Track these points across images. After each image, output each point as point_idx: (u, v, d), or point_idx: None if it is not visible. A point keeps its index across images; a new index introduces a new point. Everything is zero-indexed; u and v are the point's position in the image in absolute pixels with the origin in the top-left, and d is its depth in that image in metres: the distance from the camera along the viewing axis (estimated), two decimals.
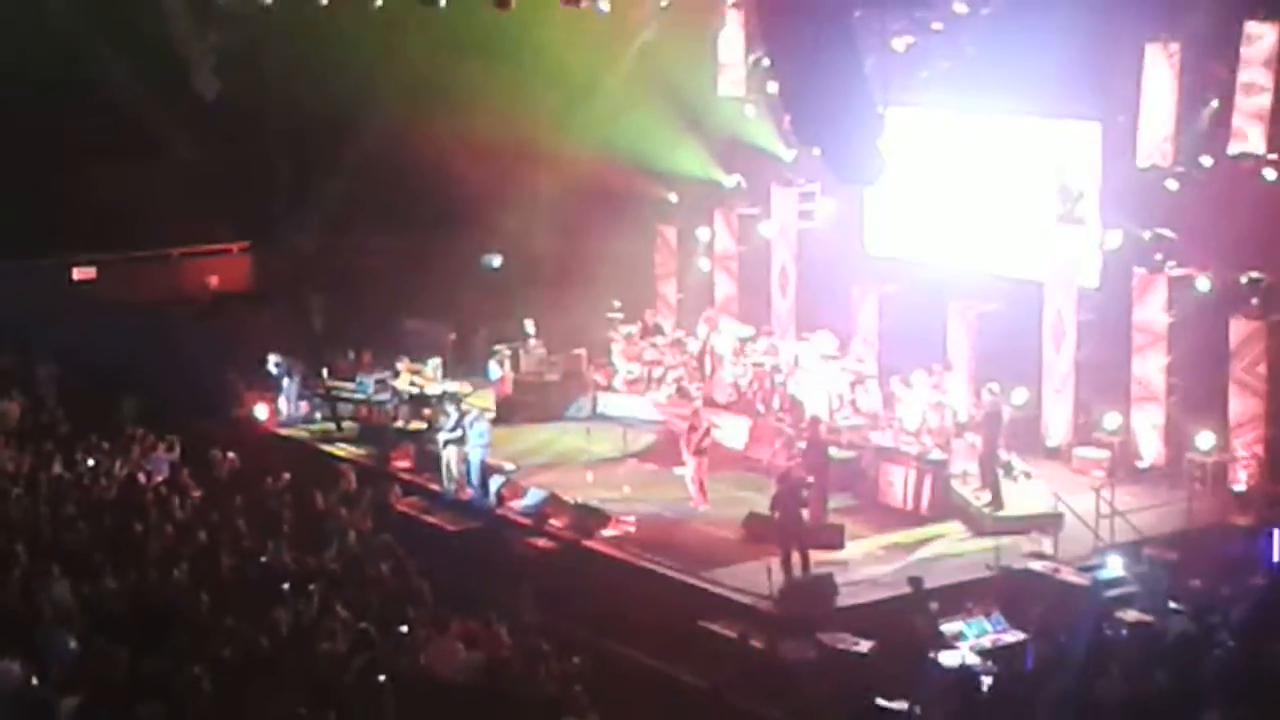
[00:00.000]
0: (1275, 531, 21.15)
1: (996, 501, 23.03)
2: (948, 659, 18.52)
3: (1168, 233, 24.32)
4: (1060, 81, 24.60)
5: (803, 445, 23.77)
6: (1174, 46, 23.61)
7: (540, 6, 27.38)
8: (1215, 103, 23.63)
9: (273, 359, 28.56)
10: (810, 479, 22.39)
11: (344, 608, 18.15)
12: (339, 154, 31.05)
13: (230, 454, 24.76)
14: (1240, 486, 23.58)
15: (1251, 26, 23.09)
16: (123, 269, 32.40)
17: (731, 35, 29.31)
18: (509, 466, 25.26)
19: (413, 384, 27.97)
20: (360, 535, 21.74)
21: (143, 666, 15.83)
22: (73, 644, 16.55)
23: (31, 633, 16.76)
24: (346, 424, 28.09)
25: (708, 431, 24.54)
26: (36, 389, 28.40)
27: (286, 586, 18.89)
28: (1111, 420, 24.97)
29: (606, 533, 22.94)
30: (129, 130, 30.31)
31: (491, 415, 27.34)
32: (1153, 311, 24.65)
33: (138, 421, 26.13)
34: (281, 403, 28.55)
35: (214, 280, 33.60)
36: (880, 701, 16.74)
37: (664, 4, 28.78)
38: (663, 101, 29.20)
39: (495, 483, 24.49)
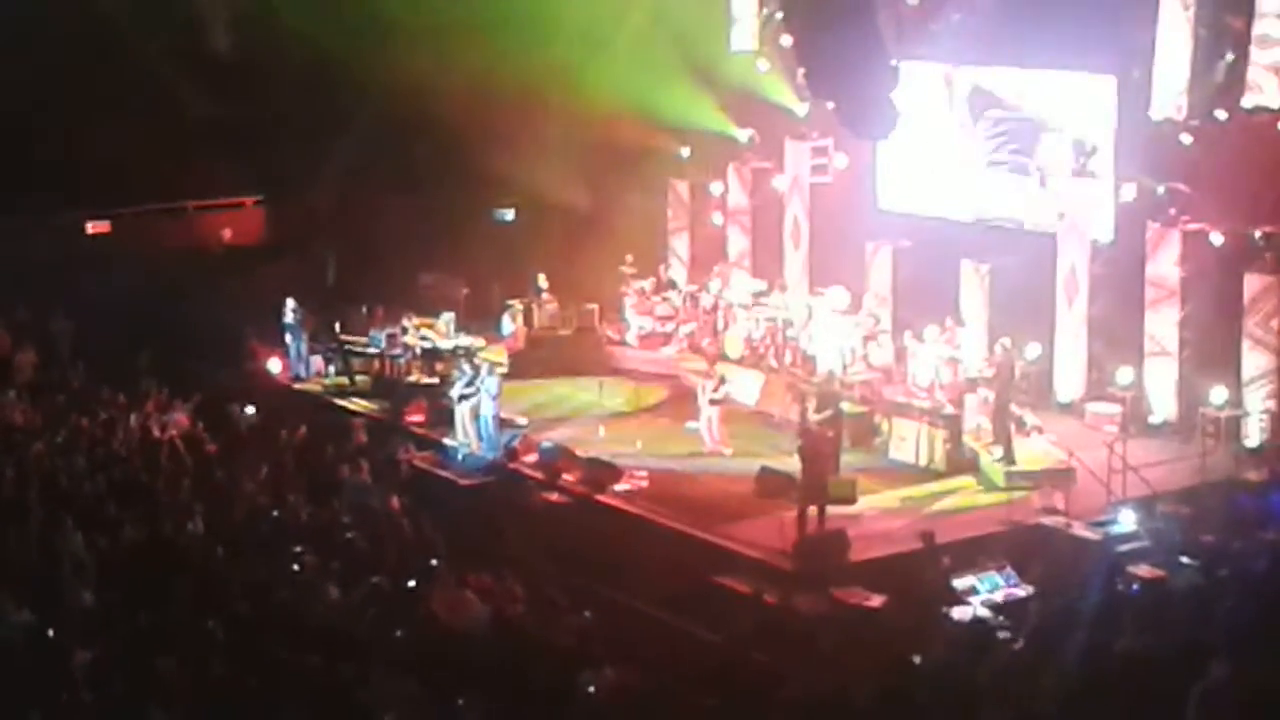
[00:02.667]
0: None
1: (1009, 456, 23.04)
2: (960, 613, 18.58)
3: (1182, 187, 24.25)
4: (1074, 34, 24.46)
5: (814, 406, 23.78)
6: None
7: None
8: (1230, 56, 23.50)
9: (290, 303, 28.52)
10: (830, 433, 22.42)
11: (358, 561, 18.25)
12: (352, 108, 31.00)
13: (249, 409, 24.81)
14: (1253, 442, 23.55)
15: None
16: (136, 222, 32.43)
17: None
18: (521, 421, 25.31)
19: (424, 338, 28.01)
20: (372, 489, 21.83)
21: (158, 619, 15.93)
22: (88, 596, 16.67)
23: (48, 585, 16.86)
24: (360, 378, 28.14)
25: (722, 381, 24.67)
26: (51, 343, 28.49)
27: (300, 540, 19.00)
28: (1124, 375, 24.94)
29: (619, 487, 22.98)
30: (143, 84, 30.28)
31: (504, 370, 27.42)
32: (1166, 266, 24.59)
33: (152, 375, 26.20)
34: (294, 356, 28.57)
35: (227, 234, 33.61)
36: (893, 656, 16.78)
37: None
38: (675, 55, 29.09)
39: (507, 437, 24.53)
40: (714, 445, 24.45)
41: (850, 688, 15.34)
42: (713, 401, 24.53)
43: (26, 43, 29.26)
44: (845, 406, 23.88)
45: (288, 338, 28.54)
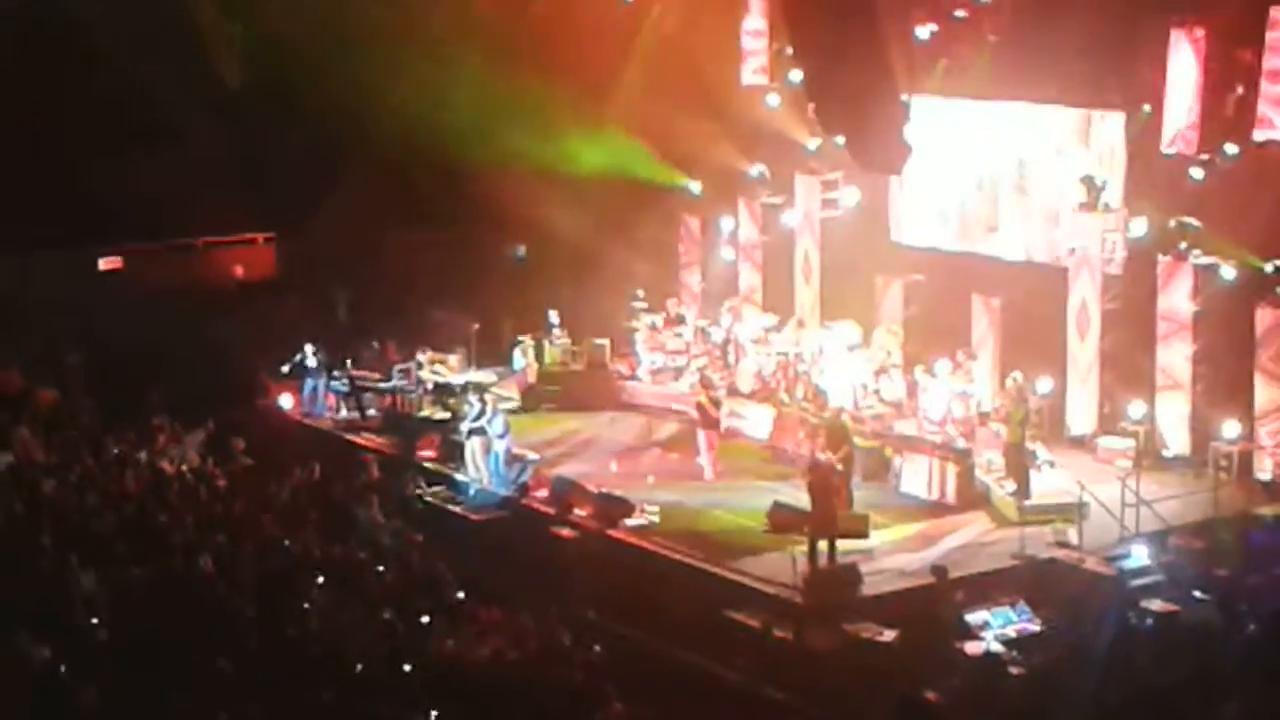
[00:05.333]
0: None
1: (1022, 491, 22.99)
2: (972, 648, 18.52)
3: (1192, 220, 24.23)
4: (1084, 68, 24.53)
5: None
6: (1199, 32, 23.49)
7: None
8: (1240, 89, 23.50)
9: (309, 348, 28.48)
10: (839, 467, 22.40)
11: (369, 597, 18.23)
12: (364, 143, 31.08)
13: (240, 440, 24.83)
14: (1266, 475, 23.48)
15: (1277, 12, 22.96)
16: (148, 259, 32.51)
17: (755, 24, 29.27)
18: (532, 456, 25.29)
19: (436, 373, 28.03)
20: (384, 525, 21.83)
21: (169, 655, 15.91)
22: (101, 633, 16.66)
23: (59, 621, 16.85)
24: (371, 413, 28.14)
25: (706, 405, 25.12)
26: (63, 378, 28.51)
27: (312, 576, 18.98)
28: (1136, 409, 24.89)
29: (630, 522, 22.95)
30: (154, 120, 30.40)
31: (514, 405, 27.42)
32: (1177, 300, 24.57)
33: (163, 411, 26.22)
34: (307, 394, 28.55)
35: (239, 270, 33.69)
36: (905, 691, 16.72)
37: None
38: (687, 90, 29.16)
39: (518, 472, 24.52)
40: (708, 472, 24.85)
41: None
42: (710, 426, 24.98)
43: (38, 79, 29.38)
44: (856, 441, 23.86)
45: (303, 375, 28.53)
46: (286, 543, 20.58)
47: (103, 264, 32.16)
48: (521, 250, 32.97)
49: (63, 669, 15.44)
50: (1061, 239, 25.85)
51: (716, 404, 25.53)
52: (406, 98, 30.03)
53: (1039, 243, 26.32)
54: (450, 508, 24.23)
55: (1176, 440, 24.54)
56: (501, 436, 24.62)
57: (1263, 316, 23.68)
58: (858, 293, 28.37)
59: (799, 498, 22.04)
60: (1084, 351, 25.49)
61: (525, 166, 29.86)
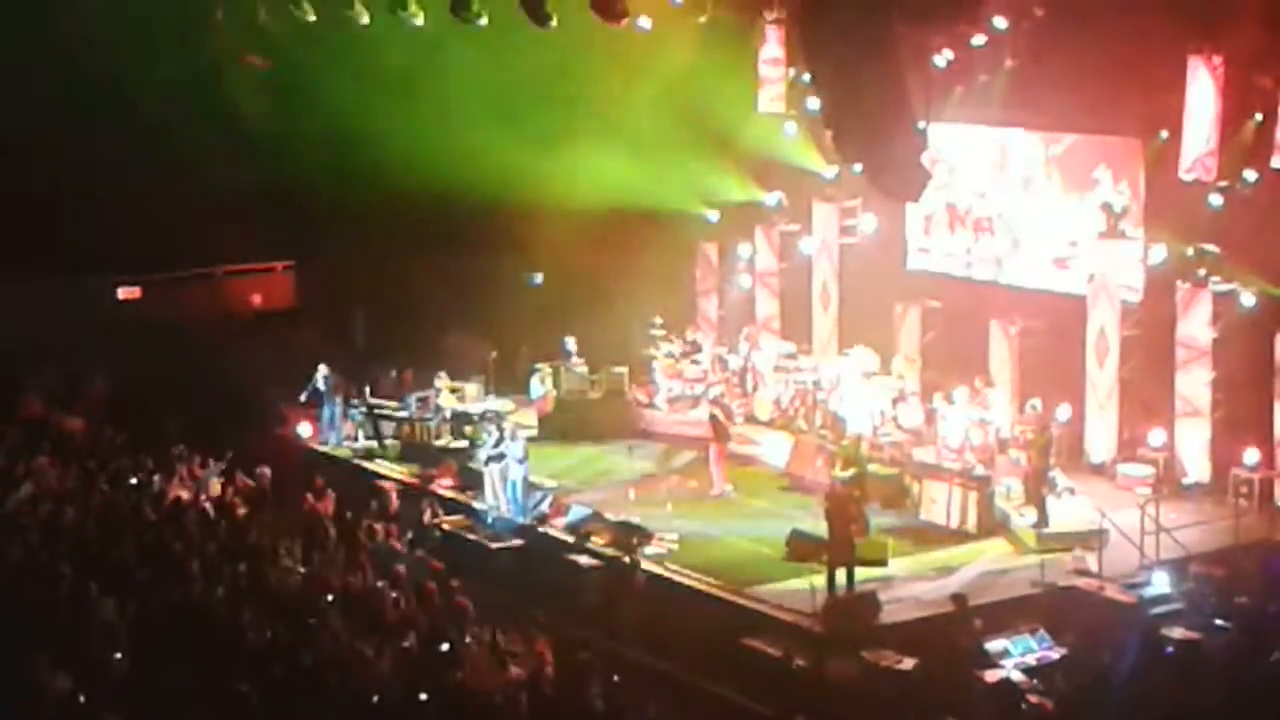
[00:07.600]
0: None
1: (1041, 518, 22.92)
2: (992, 677, 18.45)
3: (1211, 248, 24.20)
4: (1102, 95, 24.52)
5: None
6: (1217, 59, 23.46)
7: (580, 25, 27.42)
8: (1259, 116, 23.47)
9: (322, 370, 28.52)
10: (856, 493, 22.38)
11: (387, 625, 18.22)
12: (380, 172, 31.15)
13: (258, 468, 24.88)
14: None
15: None
16: (167, 288, 32.60)
17: (772, 52, 29.32)
18: (550, 484, 25.29)
19: (454, 401, 28.03)
20: (402, 553, 21.83)
21: (189, 683, 15.91)
22: (120, 661, 16.66)
23: (80, 649, 16.86)
24: (389, 442, 28.16)
25: (720, 417, 25.52)
26: (83, 407, 28.58)
27: (329, 604, 18.98)
28: (1156, 436, 24.84)
29: (649, 550, 22.92)
30: (172, 150, 30.50)
31: (532, 433, 27.43)
32: (1197, 327, 24.52)
33: (182, 439, 26.26)
34: (325, 422, 28.58)
35: (257, 299, 33.78)
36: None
37: (703, 20, 28.73)
38: (703, 118, 29.21)
39: (537, 500, 24.51)
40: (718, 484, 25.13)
41: None
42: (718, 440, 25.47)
43: (59, 109, 29.50)
44: (874, 468, 23.84)
45: (320, 403, 28.58)
46: (304, 571, 20.62)
47: (122, 293, 32.28)
48: (538, 277, 33.00)
49: (83, 698, 15.44)
50: (1080, 266, 25.82)
51: (729, 416, 25.62)
52: (423, 126, 30.08)
53: (1057, 270, 26.27)
54: (468, 536, 24.20)
55: (1196, 467, 24.47)
56: (520, 464, 24.62)
57: None
58: (875, 320, 28.37)
59: (817, 526, 22.02)
60: (1103, 378, 25.45)
61: (542, 194, 29.90)
